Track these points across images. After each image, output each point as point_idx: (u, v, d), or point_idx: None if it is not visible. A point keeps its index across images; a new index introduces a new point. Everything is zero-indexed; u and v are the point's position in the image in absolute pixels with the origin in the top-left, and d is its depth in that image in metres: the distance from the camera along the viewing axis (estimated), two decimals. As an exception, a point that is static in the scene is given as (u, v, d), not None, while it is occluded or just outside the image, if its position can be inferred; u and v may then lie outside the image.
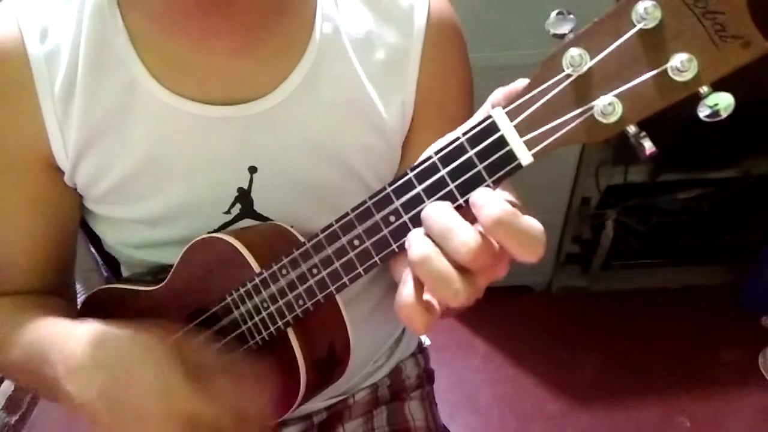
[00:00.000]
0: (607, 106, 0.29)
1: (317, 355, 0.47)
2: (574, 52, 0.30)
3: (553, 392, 1.54)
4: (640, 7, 0.28)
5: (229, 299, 0.48)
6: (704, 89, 0.28)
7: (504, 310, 1.68)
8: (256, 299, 0.45)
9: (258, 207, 0.55)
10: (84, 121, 0.50)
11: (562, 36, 0.30)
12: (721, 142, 1.46)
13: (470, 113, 0.37)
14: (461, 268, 0.30)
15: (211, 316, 0.50)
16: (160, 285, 0.53)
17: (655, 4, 0.28)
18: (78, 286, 0.68)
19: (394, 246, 0.36)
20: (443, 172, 0.34)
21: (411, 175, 0.35)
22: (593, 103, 0.30)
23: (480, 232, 0.30)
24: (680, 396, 1.50)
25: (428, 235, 0.32)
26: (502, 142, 0.32)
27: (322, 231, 0.39)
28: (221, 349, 0.43)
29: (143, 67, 0.49)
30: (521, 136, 0.32)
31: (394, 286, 0.35)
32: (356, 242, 0.38)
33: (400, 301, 0.33)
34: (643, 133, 0.30)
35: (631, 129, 0.30)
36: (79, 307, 0.61)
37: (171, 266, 0.52)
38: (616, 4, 0.29)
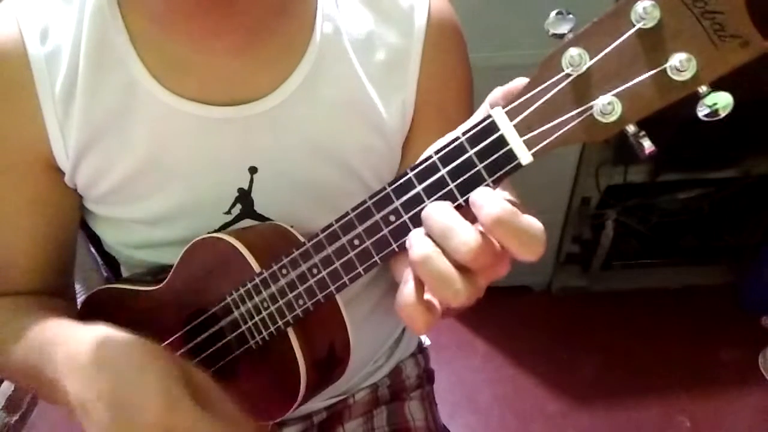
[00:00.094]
0: (607, 105, 0.30)
1: (317, 355, 0.47)
2: (573, 51, 0.30)
3: (553, 392, 1.54)
4: (639, 7, 0.28)
5: (229, 299, 0.48)
6: (703, 89, 0.28)
7: (504, 310, 1.68)
8: (256, 299, 0.45)
9: (258, 207, 0.55)
10: (84, 122, 0.50)
11: (562, 36, 0.31)
12: (721, 142, 1.46)
13: (470, 114, 0.37)
14: (462, 268, 0.30)
15: (210, 316, 0.50)
16: (160, 285, 0.53)
17: (654, 4, 0.28)
18: (78, 286, 0.68)
19: (395, 246, 0.36)
20: (443, 171, 0.34)
21: (411, 174, 0.35)
22: (593, 102, 0.30)
23: (480, 232, 0.30)
24: (680, 396, 1.50)
25: (429, 235, 0.32)
26: (501, 141, 0.32)
27: (323, 231, 0.39)
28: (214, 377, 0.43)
29: (143, 67, 0.49)
30: (521, 135, 0.32)
31: (394, 286, 0.35)
32: (356, 242, 0.38)
33: (401, 301, 0.33)
34: (643, 133, 0.30)
35: (631, 128, 0.30)
36: (79, 307, 0.61)
37: (171, 266, 0.52)
38: (615, 4, 0.29)
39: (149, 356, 0.39)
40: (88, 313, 0.59)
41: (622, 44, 0.29)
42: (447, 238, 0.30)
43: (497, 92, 0.34)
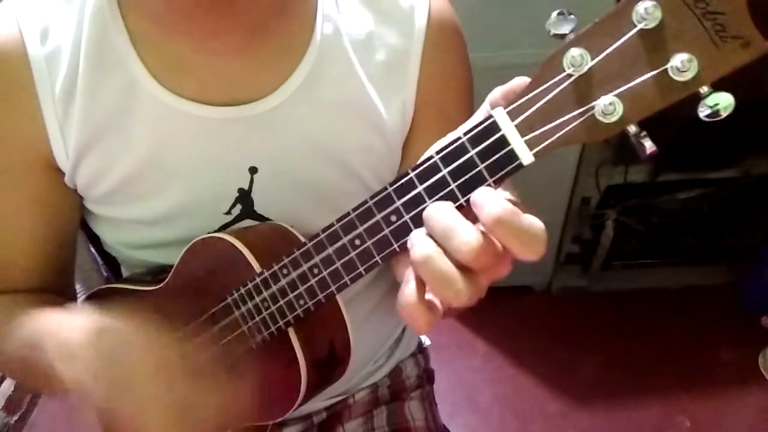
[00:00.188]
0: (608, 105, 0.30)
1: (318, 355, 0.48)
2: (574, 52, 0.30)
3: (553, 392, 1.54)
4: (640, 8, 0.28)
5: (229, 299, 0.48)
6: (704, 89, 0.28)
7: (504, 310, 1.68)
8: (257, 299, 0.45)
9: (258, 207, 0.55)
10: (84, 122, 0.50)
11: (563, 36, 0.31)
12: (721, 142, 1.46)
13: (470, 114, 0.37)
14: (463, 268, 0.30)
15: (211, 316, 0.50)
16: (160, 285, 0.53)
17: (655, 5, 0.28)
18: (78, 286, 0.68)
19: (396, 246, 0.36)
20: (444, 171, 0.34)
21: (412, 174, 0.35)
22: (594, 102, 0.30)
23: (482, 232, 0.30)
24: (680, 396, 1.50)
25: (430, 235, 0.32)
26: (503, 141, 0.32)
27: (323, 230, 0.39)
28: (220, 349, 0.43)
29: (144, 67, 0.49)
30: (522, 135, 0.32)
31: (394, 286, 0.35)
32: (357, 242, 0.38)
33: (402, 301, 0.33)
34: (644, 133, 0.30)
35: (632, 129, 0.30)
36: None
37: (171, 266, 0.52)
38: (617, 5, 0.29)
39: (147, 340, 0.40)
40: (89, 313, 0.59)
41: (624, 45, 0.29)
42: (448, 238, 0.30)
43: (497, 92, 0.34)
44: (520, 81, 0.33)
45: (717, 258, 1.76)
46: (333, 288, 0.41)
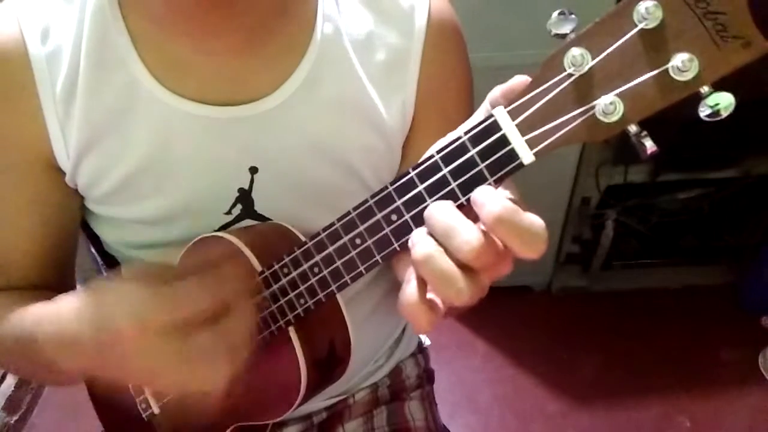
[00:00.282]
0: (609, 105, 0.30)
1: (318, 354, 0.48)
2: (575, 51, 0.30)
3: (553, 392, 1.54)
4: (641, 7, 0.28)
5: (230, 299, 0.47)
6: (705, 89, 0.28)
7: (504, 310, 1.68)
8: (257, 298, 0.45)
9: (259, 207, 0.55)
10: (85, 122, 0.50)
11: (564, 36, 0.31)
12: (721, 142, 1.46)
13: (470, 114, 0.37)
14: (464, 267, 0.30)
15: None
16: (161, 285, 0.53)
17: (656, 4, 0.28)
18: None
19: (396, 245, 0.36)
20: (445, 171, 0.34)
21: (413, 174, 0.35)
22: (595, 102, 0.30)
23: (482, 231, 0.30)
24: (680, 396, 1.50)
25: (431, 234, 0.32)
26: (503, 141, 0.32)
27: (324, 230, 0.39)
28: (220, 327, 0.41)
29: (144, 67, 0.49)
30: (523, 135, 0.32)
31: (395, 286, 0.35)
32: (358, 241, 0.38)
33: (403, 300, 0.33)
34: (645, 133, 0.30)
35: (632, 128, 0.30)
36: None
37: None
38: (618, 4, 0.29)
39: (122, 287, 0.39)
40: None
41: (625, 44, 0.29)
42: (449, 237, 0.30)
43: (497, 91, 0.34)
44: (520, 79, 0.33)
45: (717, 258, 1.76)
46: (333, 287, 0.41)
